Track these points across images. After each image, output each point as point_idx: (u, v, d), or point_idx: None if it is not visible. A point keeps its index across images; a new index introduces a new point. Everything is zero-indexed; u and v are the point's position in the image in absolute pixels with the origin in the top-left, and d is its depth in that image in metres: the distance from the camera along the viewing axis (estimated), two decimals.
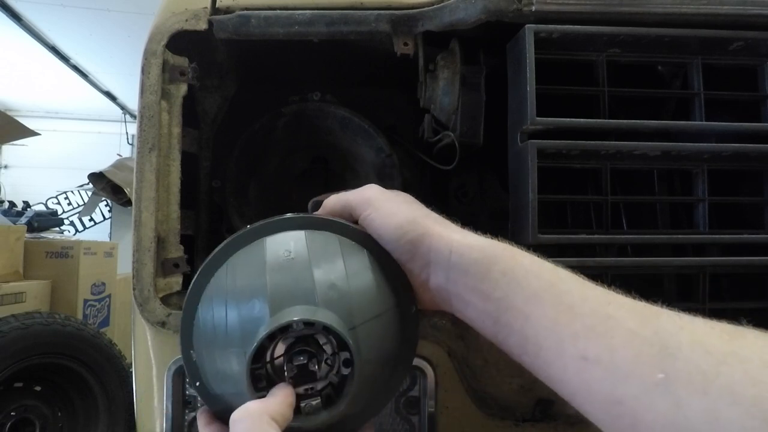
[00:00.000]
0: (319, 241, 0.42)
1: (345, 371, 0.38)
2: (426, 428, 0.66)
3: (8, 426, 1.95)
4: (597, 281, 0.39)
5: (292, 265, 0.39)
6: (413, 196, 0.51)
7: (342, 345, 0.37)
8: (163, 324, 0.67)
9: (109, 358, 2.15)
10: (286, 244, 0.41)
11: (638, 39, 0.67)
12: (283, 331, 0.36)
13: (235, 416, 0.35)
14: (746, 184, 0.75)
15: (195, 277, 0.42)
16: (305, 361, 0.37)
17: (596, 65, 0.69)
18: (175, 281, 0.70)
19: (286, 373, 0.37)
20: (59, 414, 2.10)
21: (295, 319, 0.35)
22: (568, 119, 0.64)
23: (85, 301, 2.79)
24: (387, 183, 0.90)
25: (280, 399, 0.36)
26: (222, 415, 0.41)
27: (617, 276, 0.71)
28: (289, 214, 0.45)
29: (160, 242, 0.68)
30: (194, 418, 0.67)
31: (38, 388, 2.06)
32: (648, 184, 0.77)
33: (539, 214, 0.63)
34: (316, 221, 0.44)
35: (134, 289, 0.67)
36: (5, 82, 5.50)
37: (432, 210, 0.49)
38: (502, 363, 0.64)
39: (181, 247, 0.70)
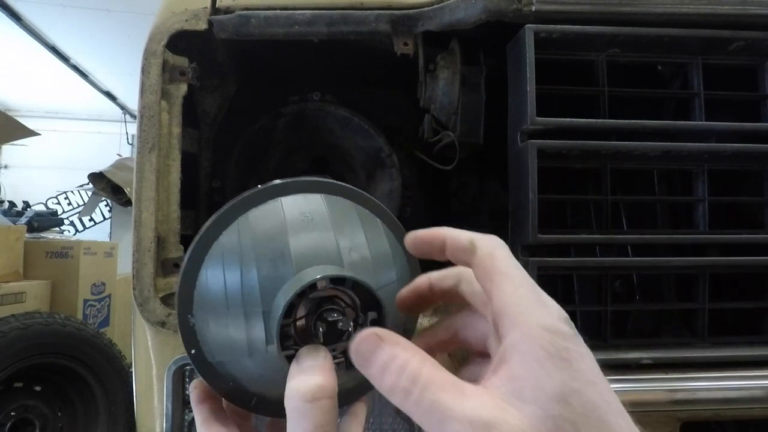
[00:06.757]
0: (336, 205, 0.41)
1: None
2: None
3: (8, 426, 1.95)
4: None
5: (313, 226, 0.39)
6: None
7: (368, 305, 0.36)
8: (163, 324, 0.67)
9: (109, 358, 2.15)
10: (303, 206, 0.41)
11: (638, 39, 0.67)
12: (311, 288, 0.35)
13: (312, 394, 0.31)
14: (746, 184, 0.75)
15: (197, 237, 0.40)
16: (338, 318, 0.35)
17: (596, 65, 0.69)
18: (175, 281, 0.70)
19: (320, 330, 0.35)
20: (59, 414, 2.10)
21: (327, 275, 0.34)
22: (568, 119, 0.64)
23: (85, 301, 2.79)
24: (387, 183, 0.90)
25: (330, 367, 0.33)
26: (217, 385, 0.40)
27: (617, 276, 0.71)
28: (302, 177, 0.44)
29: (160, 242, 0.68)
30: (194, 419, 0.67)
31: (38, 388, 2.06)
32: (648, 184, 0.76)
33: (539, 213, 0.63)
34: (330, 186, 0.43)
35: (134, 289, 0.67)
36: (5, 82, 5.50)
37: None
38: None
39: (181, 247, 0.70)
